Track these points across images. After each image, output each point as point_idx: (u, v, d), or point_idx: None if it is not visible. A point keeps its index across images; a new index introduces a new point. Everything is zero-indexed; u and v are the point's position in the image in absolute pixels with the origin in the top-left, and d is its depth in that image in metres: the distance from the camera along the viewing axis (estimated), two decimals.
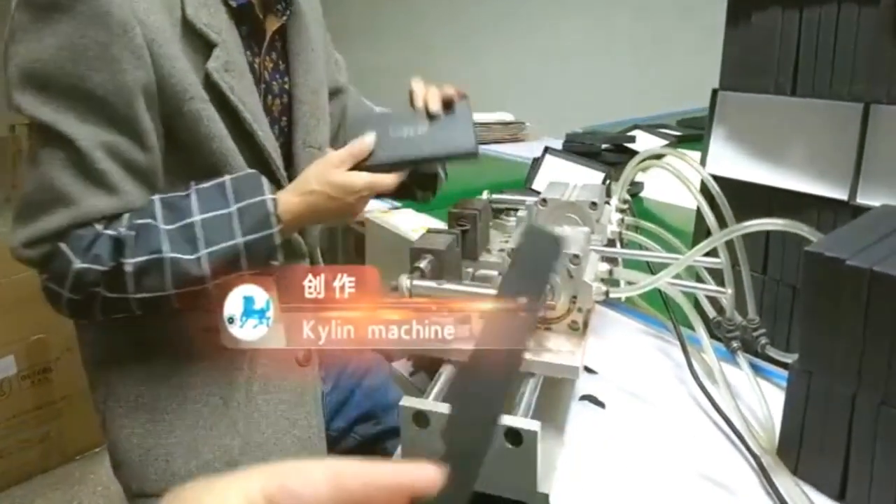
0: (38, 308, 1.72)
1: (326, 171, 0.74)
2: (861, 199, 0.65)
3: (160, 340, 0.78)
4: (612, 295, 0.63)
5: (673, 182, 0.79)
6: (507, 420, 0.53)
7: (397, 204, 1.36)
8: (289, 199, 0.73)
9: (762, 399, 0.62)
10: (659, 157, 0.77)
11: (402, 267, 0.67)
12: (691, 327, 0.68)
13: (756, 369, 0.70)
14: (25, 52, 0.66)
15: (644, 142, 1.64)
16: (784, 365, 0.70)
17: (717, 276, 0.70)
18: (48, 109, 0.66)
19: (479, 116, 1.92)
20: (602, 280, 0.65)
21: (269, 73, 0.81)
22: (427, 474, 0.27)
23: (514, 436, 0.53)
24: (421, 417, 0.56)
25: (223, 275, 0.70)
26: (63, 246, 0.67)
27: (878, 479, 0.51)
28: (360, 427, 0.93)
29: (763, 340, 0.69)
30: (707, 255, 0.66)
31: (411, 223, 1.28)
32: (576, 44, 1.84)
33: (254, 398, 0.79)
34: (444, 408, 0.56)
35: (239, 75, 0.74)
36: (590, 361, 0.75)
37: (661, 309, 0.81)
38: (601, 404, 0.68)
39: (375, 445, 0.92)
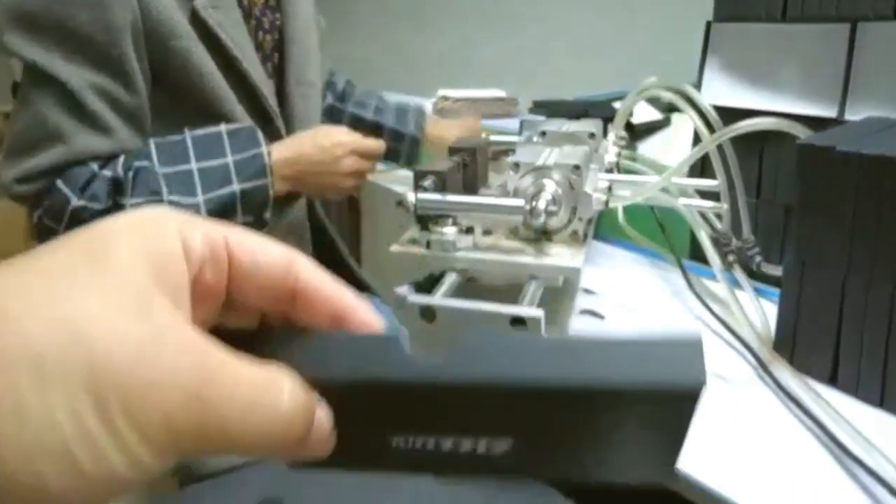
0: None
1: (320, 126, 0.77)
2: (849, 116, 0.67)
3: None
4: (611, 204, 0.65)
5: (667, 145, 0.81)
6: (511, 309, 0.55)
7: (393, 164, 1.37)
8: (280, 149, 0.76)
9: (758, 303, 0.64)
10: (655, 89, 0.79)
11: (398, 234, 0.68)
12: (687, 256, 0.70)
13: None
14: None
15: (641, 111, 1.66)
16: (778, 281, 0.72)
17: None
18: (37, 49, 0.67)
19: (472, 93, 1.93)
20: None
21: (260, 9, 0.82)
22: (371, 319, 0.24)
23: (519, 323, 0.54)
24: (429, 312, 0.57)
25: (219, 221, 0.71)
26: (60, 183, 0.69)
27: (865, 360, 0.53)
28: None
29: (758, 259, 0.71)
30: (704, 178, 0.69)
31: (408, 183, 1.30)
32: (566, 21, 1.88)
33: None
34: (453, 302, 0.58)
35: (226, 10, 0.75)
36: (588, 283, 0.77)
37: (660, 242, 0.83)
38: (601, 316, 0.70)
39: None
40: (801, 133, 0.58)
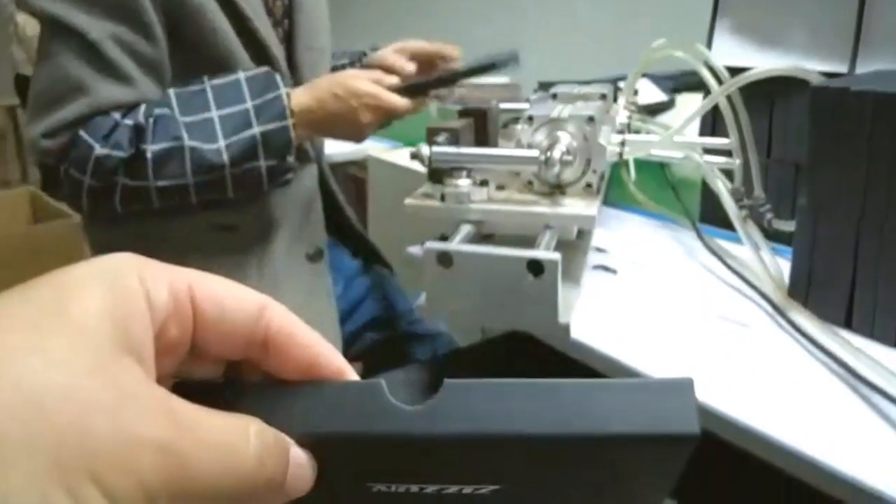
0: (27, 265, 1.72)
1: (338, 75, 0.76)
2: (860, 70, 0.68)
3: (169, 237, 0.79)
4: (625, 156, 0.65)
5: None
6: (528, 252, 0.55)
7: (399, 144, 1.38)
8: (299, 93, 0.75)
9: (771, 255, 0.64)
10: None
11: (403, 206, 0.67)
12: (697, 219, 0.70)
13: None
14: None
15: (646, 92, 1.67)
16: (789, 239, 0.73)
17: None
18: (56, 2, 0.68)
19: (474, 80, 1.94)
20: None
21: None
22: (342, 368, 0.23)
23: (536, 266, 0.55)
24: (445, 257, 0.58)
25: (242, 164, 0.71)
26: (83, 133, 0.69)
27: (881, 300, 0.53)
28: (370, 333, 0.95)
29: (769, 215, 0.72)
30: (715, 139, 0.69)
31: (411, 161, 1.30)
32: (567, 3, 1.89)
33: (266, 289, 0.80)
34: (470, 248, 0.58)
35: None
36: (600, 243, 0.77)
37: (670, 205, 0.83)
38: (613, 271, 0.70)
39: (388, 349, 0.94)
40: (815, 80, 0.59)
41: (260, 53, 0.78)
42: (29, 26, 3.79)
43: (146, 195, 0.71)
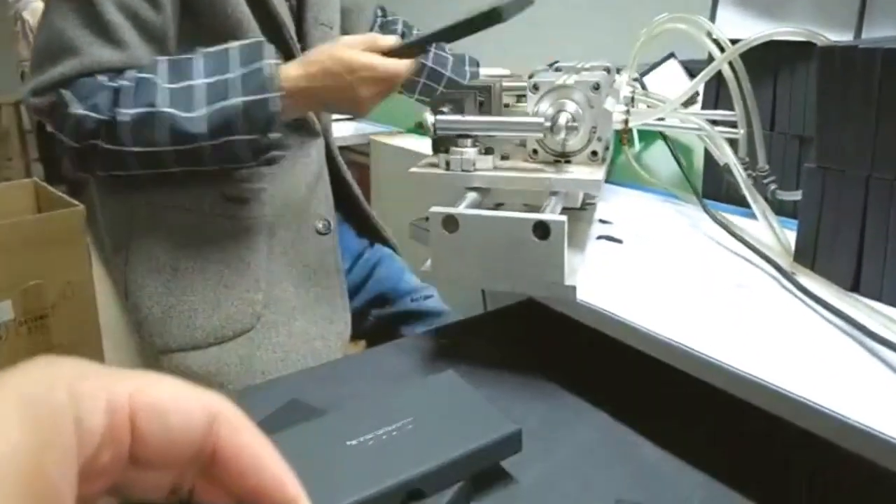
0: (33, 253, 1.71)
1: (332, 46, 0.72)
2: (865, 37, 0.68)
3: (179, 205, 0.78)
4: (630, 124, 0.65)
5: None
6: (535, 215, 0.55)
7: (401, 128, 1.38)
8: (290, 67, 0.72)
9: (776, 222, 0.64)
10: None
11: (408, 190, 0.66)
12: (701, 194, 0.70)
13: None
14: None
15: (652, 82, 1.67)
16: (792, 212, 0.73)
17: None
18: None
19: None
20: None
21: None
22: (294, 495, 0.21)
23: (543, 228, 0.54)
24: (451, 221, 0.57)
25: (220, 136, 0.69)
26: (64, 92, 0.68)
27: (890, 263, 0.53)
28: (374, 310, 0.94)
29: (773, 186, 0.72)
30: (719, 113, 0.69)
31: (417, 144, 1.30)
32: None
33: (275, 259, 0.80)
34: (476, 211, 0.58)
35: None
36: (605, 215, 0.77)
37: (673, 181, 0.83)
38: (618, 241, 0.70)
39: (390, 328, 0.94)
40: (820, 42, 0.59)
41: (270, 22, 0.77)
42: (36, 22, 3.80)
43: (124, 160, 0.70)
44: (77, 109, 0.67)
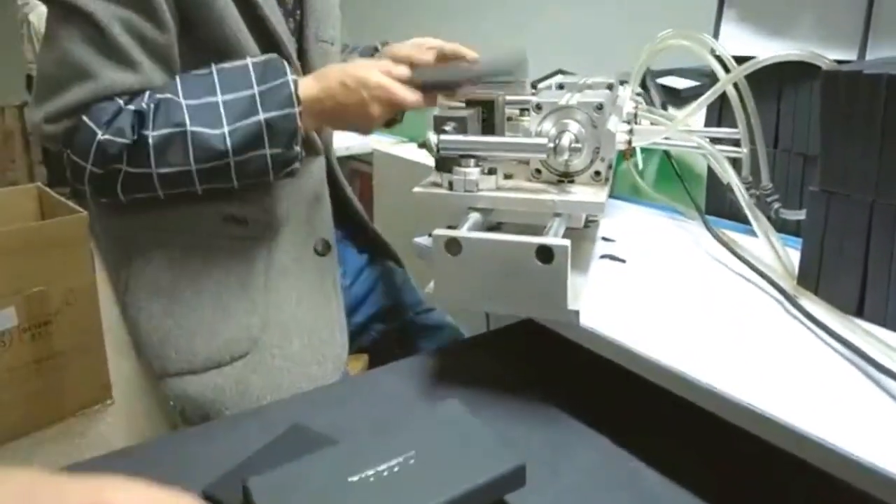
0: (36, 259, 1.72)
1: (348, 65, 0.74)
2: (870, 56, 0.67)
3: (178, 227, 0.78)
4: (633, 143, 0.65)
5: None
6: (538, 239, 0.55)
7: (404, 138, 1.38)
8: (307, 82, 0.73)
9: (780, 243, 0.64)
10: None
11: (411, 200, 0.66)
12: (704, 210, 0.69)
13: None
14: None
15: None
16: (795, 230, 0.72)
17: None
18: None
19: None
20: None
21: None
22: None
23: (545, 253, 0.54)
24: (453, 244, 0.57)
25: (246, 152, 0.70)
26: (86, 118, 0.68)
27: (894, 288, 0.53)
28: (377, 324, 0.94)
29: (777, 205, 0.71)
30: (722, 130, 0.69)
31: (420, 154, 1.30)
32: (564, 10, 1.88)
33: (273, 282, 0.80)
34: (479, 234, 0.58)
35: None
36: (608, 233, 0.77)
37: (676, 196, 0.83)
38: (622, 260, 0.70)
39: (393, 342, 0.93)
40: (825, 65, 0.58)
41: (269, 42, 0.77)
42: (42, 25, 3.80)
43: (149, 182, 0.70)
44: (101, 136, 0.67)
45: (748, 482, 0.50)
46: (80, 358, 1.84)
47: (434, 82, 0.78)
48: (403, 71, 0.74)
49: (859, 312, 0.55)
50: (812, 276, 0.58)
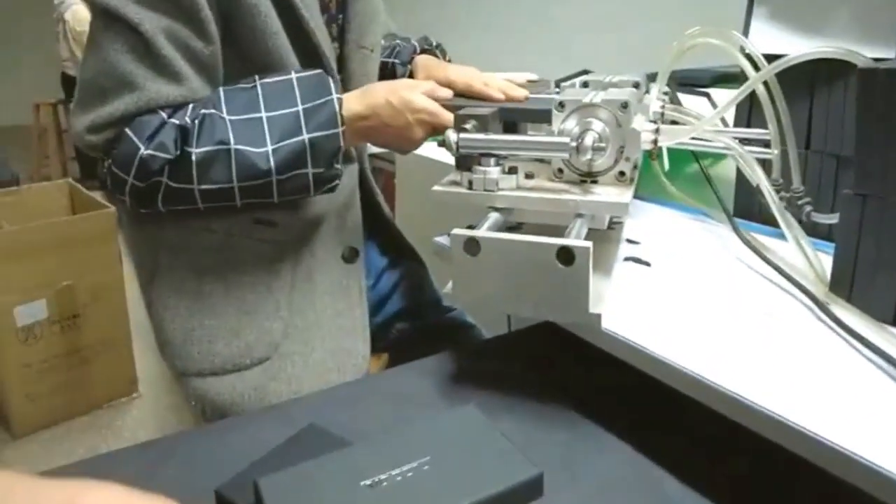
0: (66, 254, 1.75)
1: (395, 85, 0.73)
2: None
3: (208, 227, 0.78)
4: (659, 143, 0.63)
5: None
6: (558, 240, 0.54)
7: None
8: (352, 100, 0.72)
9: (811, 247, 0.62)
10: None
11: (431, 198, 0.65)
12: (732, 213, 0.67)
13: None
14: None
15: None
16: (826, 234, 0.70)
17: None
18: None
19: (505, 76, 1.93)
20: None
21: None
22: None
23: (567, 254, 0.53)
24: (472, 244, 0.56)
25: (288, 171, 0.70)
26: (129, 131, 0.67)
27: None
28: (398, 324, 0.94)
29: (808, 208, 0.69)
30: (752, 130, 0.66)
31: (442, 153, 1.29)
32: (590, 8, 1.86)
33: (298, 286, 0.80)
34: (498, 234, 0.57)
35: None
36: (632, 234, 0.75)
37: (702, 198, 0.81)
38: (647, 263, 0.68)
39: (414, 341, 0.93)
40: (861, 62, 0.56)
41: (311, 54, 0.75)
42: (78, 24, 3.87)
43: (190, 197, 0.70)
44: (143, 150, 0.66)
45: (774, 496, 0.48)
46: (108, 351, 1.88)
47: (475, 115, 0.75)
48: (447, 93, 0.74)
49: (895, 321, 0.53)
50: (845, 283, 0.56)
